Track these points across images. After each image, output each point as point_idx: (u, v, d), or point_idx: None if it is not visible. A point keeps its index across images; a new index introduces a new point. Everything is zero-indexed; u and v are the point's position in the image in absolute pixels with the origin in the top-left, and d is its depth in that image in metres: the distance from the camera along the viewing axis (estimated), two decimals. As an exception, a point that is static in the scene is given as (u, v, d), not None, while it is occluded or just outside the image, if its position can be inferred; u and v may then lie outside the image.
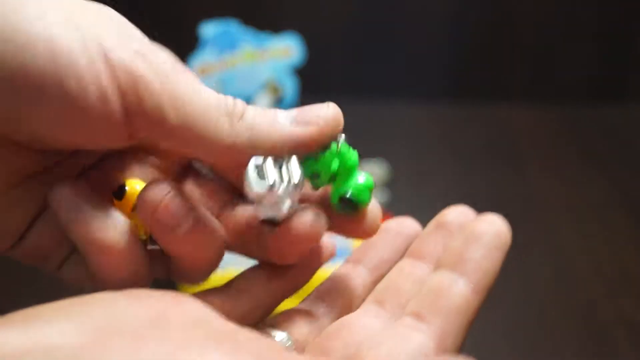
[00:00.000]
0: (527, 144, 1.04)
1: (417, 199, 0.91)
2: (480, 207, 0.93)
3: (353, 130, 1.14)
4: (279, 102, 0.73)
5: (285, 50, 0.72)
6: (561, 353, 0.68)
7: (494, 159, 1.00)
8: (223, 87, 0.72)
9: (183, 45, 1.08)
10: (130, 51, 0.29)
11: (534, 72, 1.14)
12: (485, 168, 0.98)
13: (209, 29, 0.71)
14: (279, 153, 0.30)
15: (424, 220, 0.90)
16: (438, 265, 0.31)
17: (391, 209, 0.74)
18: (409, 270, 0.33)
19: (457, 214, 0.34)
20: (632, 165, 0.98)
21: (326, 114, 0.31)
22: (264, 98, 0.72)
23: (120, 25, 0.30)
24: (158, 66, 0.29)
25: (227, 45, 0.71)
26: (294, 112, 0.31)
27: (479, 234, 0.31)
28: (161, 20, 1.10)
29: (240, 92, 0.72)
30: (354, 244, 0.75)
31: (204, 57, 0.71)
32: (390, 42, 1.13)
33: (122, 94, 0.28)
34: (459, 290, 0.30)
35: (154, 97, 0.28)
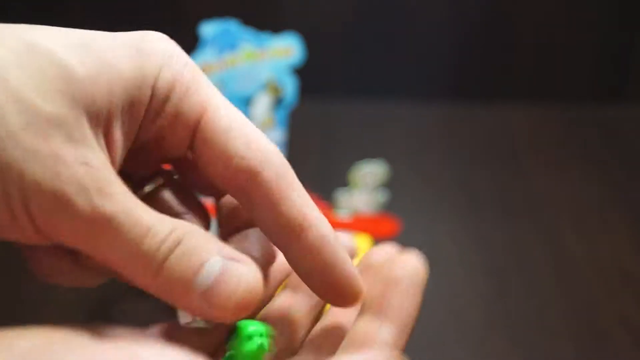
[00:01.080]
0: (527, 144, 1.04)
1: (416, 199, 0.91)
2: (481, 207, 0.94)
3: (353, 130, 1.15)
4: (279, 102, 0.73)
5: (285, 50, 0.71)
6: (561, 353, 0.68)
7: (493, 159, 1.00)
8: (223, 87, 0.72)
9: (183, 45, 1.08)
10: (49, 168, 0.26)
11: (533, 72, 1.14)
12: (485, 168, 0.97)
13: (209, 29, 0.70)
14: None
15: (424, 222, 0.91)
16: (362, 312, 0.32)
17: (391, 209, 0.74)
18: (342, 315, 0.33)
19: (382, 255, 0.34)
20: (632, 165, 0.98)
21: (240, 297, 0.28)
22: (264, 98, 0.72)
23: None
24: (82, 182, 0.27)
25: (227, 45, 0.71)
26: (220, 268, 0.28)
27: (396, 278, 0.31)
28: (161, 20, 1.09)
29: (240, 92, 0.72)
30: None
31: (204, 57, 0.71)
32: (390, 42, 1.12)
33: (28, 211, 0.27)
34: (384, 335, 0.30)
35: (78, 221, 0.27)
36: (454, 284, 0.76)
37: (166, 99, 0.30)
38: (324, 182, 0.91)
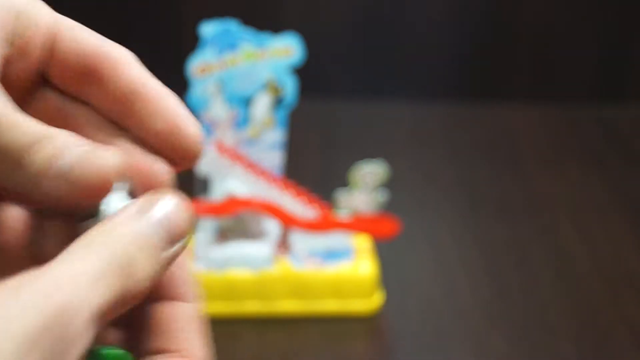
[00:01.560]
0: (528, 144, 1.04)
1: (417, 199, 0.90)
2: (481, 207, 0.94)
3: (353, 130, 1.14)
4: (279, 102, 0.72)
5: (285, 50, 0.71)
6: (562, 353, 0.68)
7: (494, 159, 1.00)
8: (223, 87, 0.71)
9: (183, 45, 1.08)
10: None
11: (534, 72, 1.14)
12: (486, 168, 0.97)
13: (209, 29, 0.70)
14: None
15: (424, 222, 0.90)
16: None
17: (391, 210, 0.74)
18: None
19: None
20: (633, 165, 0.98)
21: (101, 175, 0.29)
22: (264, 98, 0.72)
23: None
24: None
25: (227, 45, 0.71)
26: (82, 150, 0.29)
27: None
28: (161, 20, 1.09)
29: (240, 92, 0.72)
30: (355, 243, 0.75)
31: (204, 57, 0.70)
32: (390, 42, 1.12)
33: None
34: None
35: None
36: (455, 284, 0.76)
37: (24, 11, 0.31)
38: (324, 182, 0.91)
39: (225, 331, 0.69)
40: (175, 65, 0.93)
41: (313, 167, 0.97)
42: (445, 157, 1.00)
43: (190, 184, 0.75)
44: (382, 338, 0.71)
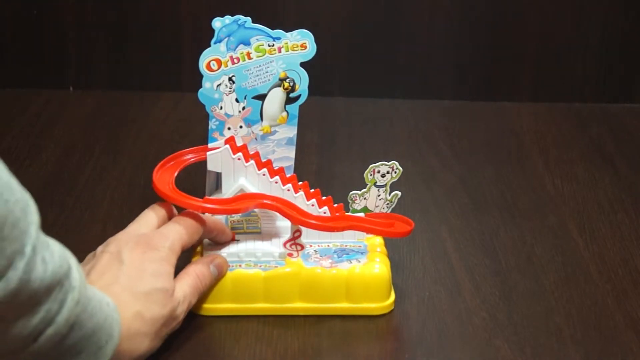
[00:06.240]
0: (533, 143, 1.03)
1: (420, 200, 0.90)
2: (485, 208, 0.93)
3: (354, 130, 1.13)
4: (292, 98, 0.72)
5: (299, 45, 0.71)
6: (567, 358, 0.67)
7: (498, 159, 1.00)
8: (236, 82, 0.71)
9: (196, 40, 1.06)
10: None
11: (539, 71, 1.14)
12: (490, 168, 0.97)
13: (222, 24, 0.70)
14: None
15: (427, 221, 0.89)
16: None
17: (393, 210, 0.74)
18: None
19: None
20: (640, 164, 0.99)
21: None
22: (278, 93, 0.72)
23: None
24: None
25: (240, 39, 0.70)
26: None
27: None
28: (173, 16, 1.08)
29: (253, 88, 0.72)
30: (368, 243, 0.74)
31: (217, 51, 0.70)
32: (393, 41, 1.12)
33: None
34: None
35: None
36: (458, 286, 0.75)
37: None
38: (323, 182, 0.90)
39: (235, 329, 0.69)
40: (173, 62, 0.91)
41: (321, 167, 0.96)
42: (448, 156, 1.00)
43: (202, 180, 0.74)
44: (386, 339, 0.70)
